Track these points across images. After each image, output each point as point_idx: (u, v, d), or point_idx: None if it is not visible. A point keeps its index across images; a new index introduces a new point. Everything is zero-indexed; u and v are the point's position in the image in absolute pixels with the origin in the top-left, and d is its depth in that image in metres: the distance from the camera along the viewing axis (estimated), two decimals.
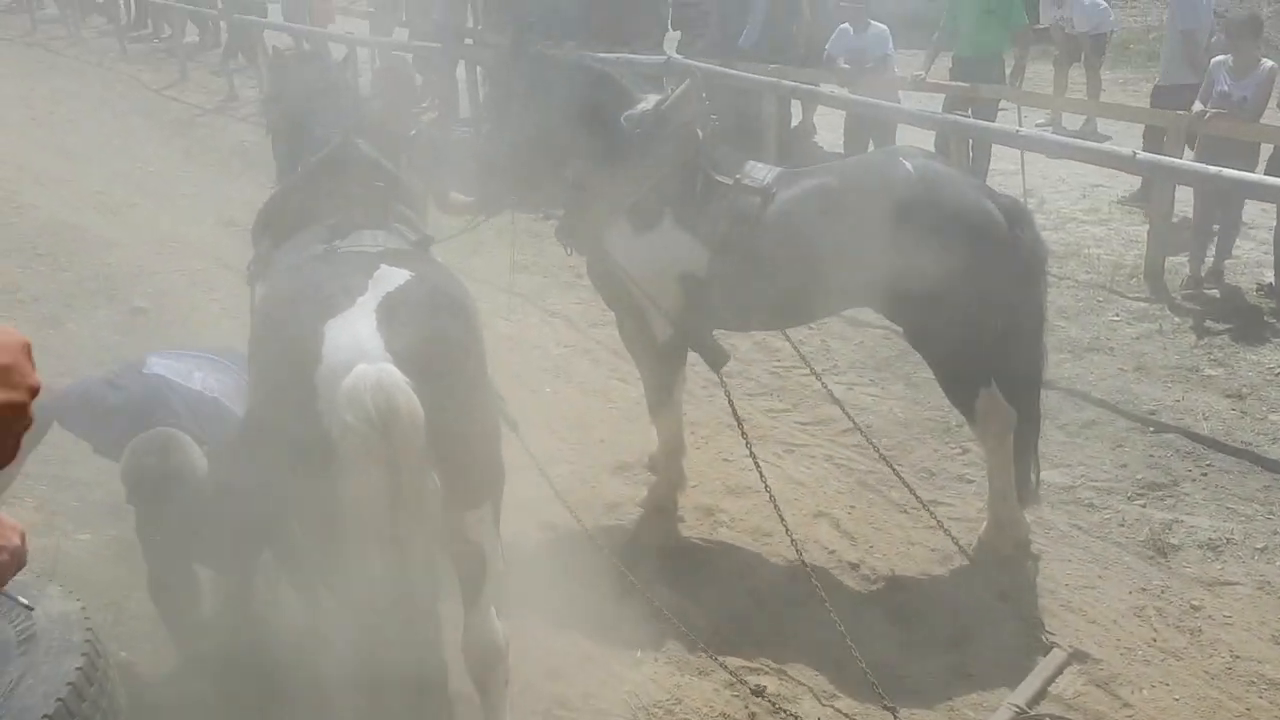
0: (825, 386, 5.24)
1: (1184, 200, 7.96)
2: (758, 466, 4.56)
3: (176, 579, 3.85)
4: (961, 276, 4.34)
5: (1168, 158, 7.27)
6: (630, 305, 4.89)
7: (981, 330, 4.51)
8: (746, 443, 4.66)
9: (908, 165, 4.49)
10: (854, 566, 4.76)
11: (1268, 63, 7.56)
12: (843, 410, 5.13)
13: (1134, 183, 9.05)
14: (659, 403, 5.10)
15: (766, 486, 4.54)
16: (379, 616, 2.86)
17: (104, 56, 18.82)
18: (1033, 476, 4.77)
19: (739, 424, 4.75)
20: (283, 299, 3.23)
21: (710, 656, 3.96)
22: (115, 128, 13.69)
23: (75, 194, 10.53)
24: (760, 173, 4.74)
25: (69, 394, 3.75)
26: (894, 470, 4.90)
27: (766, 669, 4.09)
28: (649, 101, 4.82)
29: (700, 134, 4.80)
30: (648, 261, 4.74)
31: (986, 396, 4.57)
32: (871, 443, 5.04)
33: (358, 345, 2.88)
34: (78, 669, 2.94)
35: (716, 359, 4.80)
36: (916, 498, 4.77)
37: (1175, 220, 7.97)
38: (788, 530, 4.43)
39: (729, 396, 4.81)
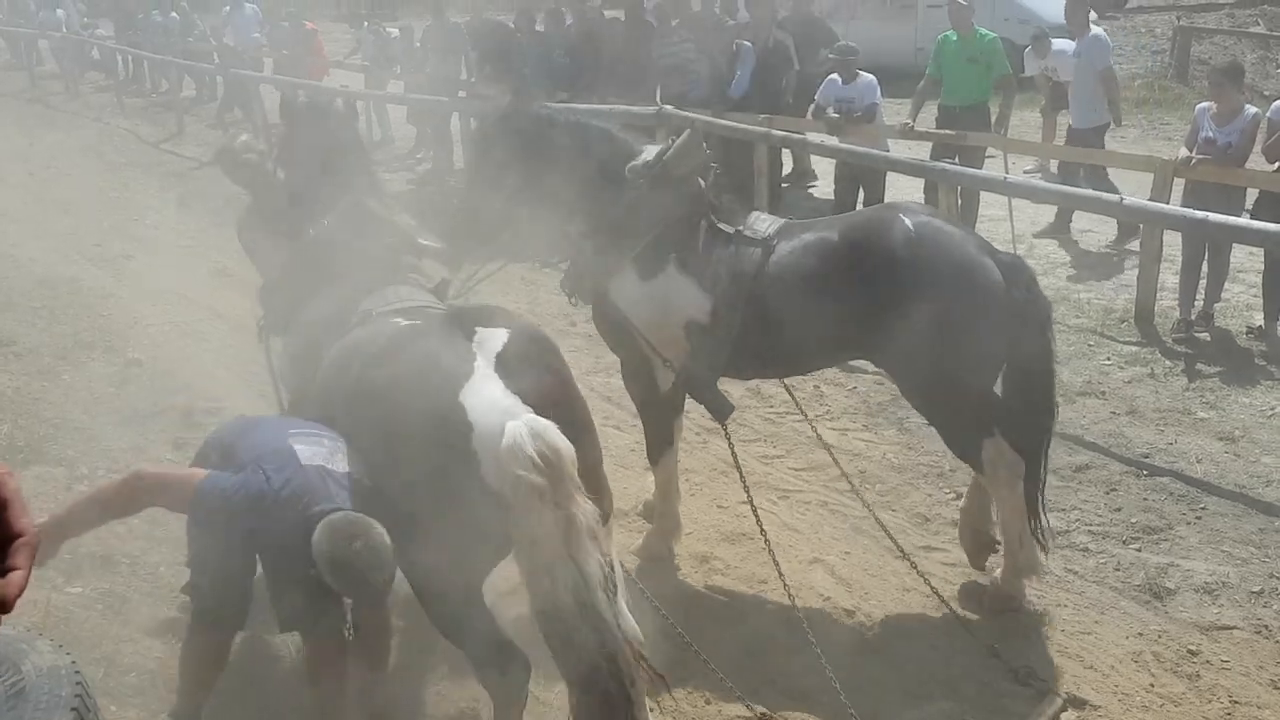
0: (815, 430, 5.25)
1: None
2: (756, 515, 4.59)
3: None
4: (956, 333, 4.37)
5: (1154, 203, 7.34)
6: (635, 353, 4.93)
7: (976, 385, 4.54)
8: (746, 491, 4.69)
9: (907, 222, 4.51)
10: (849, 613, 4.74)
11: (1250, 109, 7.66)
12: (831, 457, 5.14)
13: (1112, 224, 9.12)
14: (659, 451, 5.12)
15: (764, 533, 4.57)
16: (567, 628, 3.08)
17: (101, 111, 19.01)
18: (1037, 525, 4.73)
19: (740, 473, 4.78)
20: (394, 377, 3.37)
21: (705, 705, 3.94)
22: (111, 181, 13.80)
23: (72, 247, 10.58)
24: (763, 224, 4.80)
25: (232, 494, 3.39)
26: (878, 520, 4.90)
27: (761, 717, 4.05)
28: (650, 152, 4.89)
29: (703, 183, 4.86)
30: (652, 310, 4.79)
31: (992, 446, 4.56)
32: (857, 491, 5.06)
33: (498, 406, 3.16)
34: None
35: (721, 410, 4.81)
36: (898, 546, 4.76)
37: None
38: (782, 577, 4.43)
39: (731, 447, 4.82)
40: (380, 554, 3.20)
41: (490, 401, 3.18)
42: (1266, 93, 14.31)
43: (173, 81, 18.16)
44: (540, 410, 3.17)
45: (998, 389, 4.62)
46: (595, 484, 3.36)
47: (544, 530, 3.04)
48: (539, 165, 4.95)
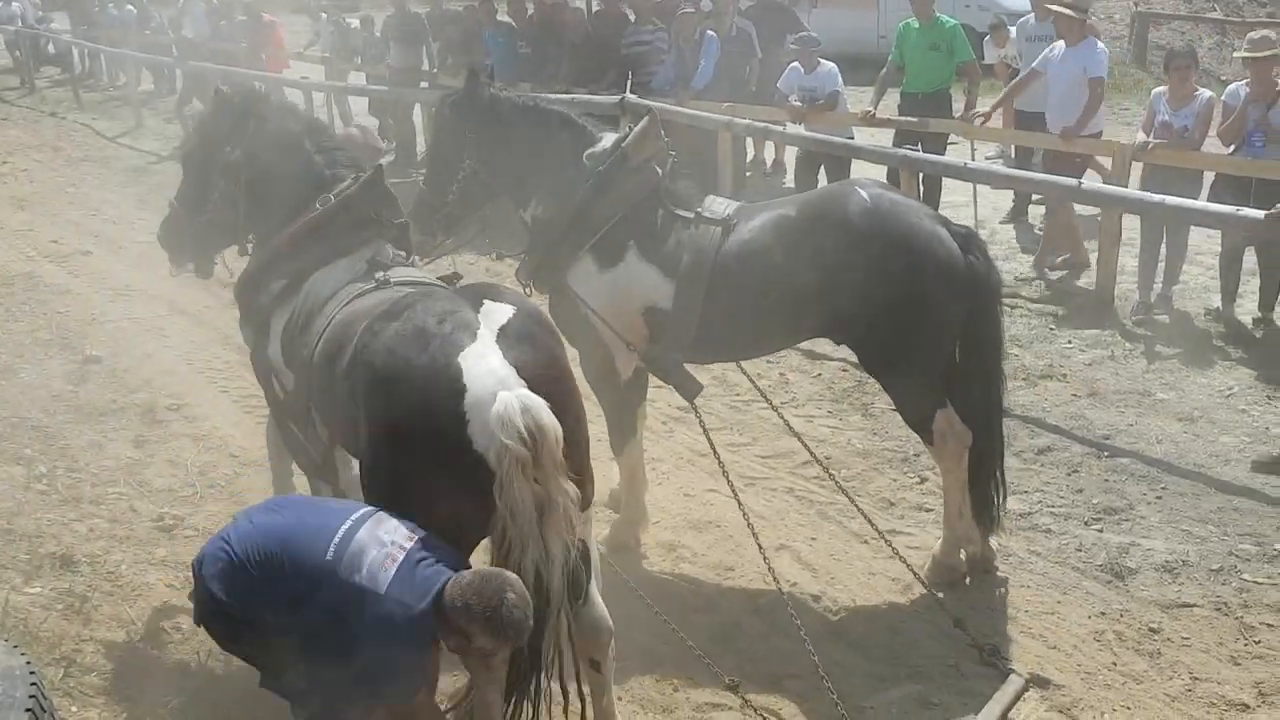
0: (783, 419, 5.26)
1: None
2: (735, 494, 4.67)
3: None
4: (917, 302, 4.45)
5: (1113, 187, 7.41)
6: (594, 342, 4.92)
7: (936, 354, 4.62)
8: (724, 472, 4.74)
9: (864, 195, 4.58)
10: (816, 599, 4.76)
11: (1205, 93, 7.74)
12: (802, 443, 5.15)
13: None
14: (622, 439, 5.12)
15: (743, 510, 4.64)
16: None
17: (58, 106, 18.74)
18: (996, 501, 4.79)
19: (715, 452, 4.80)
20: (402, 335, 3.34)
21: (674, 692, 3.95)
22: (69, 176, 13.60)
23: (28, 243, 10.44)
24: (720, 206, 4.82)
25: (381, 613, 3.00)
26: (853, 502, 4.92)
27: (729, 704, 4.06)
28: (608, 140, 4.89)
29: (660, 170, 4.87)
30: (613, 297, 4.80)
31: (943, 417, 4.63)
32: (832, 475, 5.08)
33: (495, 375, 3.19)
34: None
35: (690, 389, 4.83)
36: (875, 529, 4.79)
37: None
38: (764, 556, 4.46)
39: (704, 426, 4.83)
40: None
41: (488, 368, 3.20)
42: (1223, 77, 14.48)
43: (130, 75, 17.90)
44: (534, 388, 3.19)
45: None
46: (580, 470, 3.38)
47: (521, 504, 3.09)
48: (493, 150, 4.94)
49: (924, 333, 4.54)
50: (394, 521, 3.13)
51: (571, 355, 5.54)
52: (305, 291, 4.12)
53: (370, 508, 3.20)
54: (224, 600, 3.09)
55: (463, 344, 3.26)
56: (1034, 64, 8.78)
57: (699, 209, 4.81)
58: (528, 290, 5.08)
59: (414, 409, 3.22)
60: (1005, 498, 4.83)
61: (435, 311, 3.39)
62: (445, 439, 3.17)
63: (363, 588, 2.97)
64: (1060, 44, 8.27)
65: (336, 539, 3.04)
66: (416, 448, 3.24)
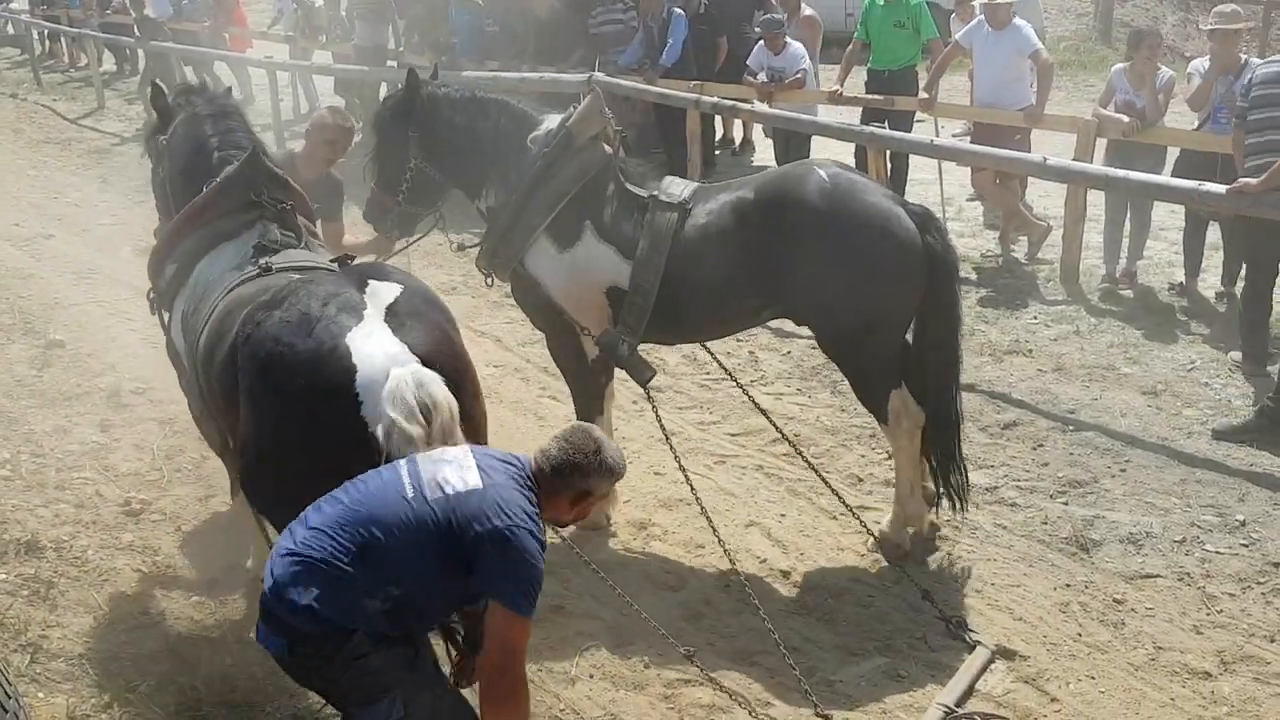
0: (750, 397, 5.29)
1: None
2: (688, 480, 4.66)
3: None
4: (874, 282, 4.47)
5: (1078, 163, 7.45)
6: (558, 324, 4.93)
7: (893, 334, 4.66)
8: (676, 458, 4.75)
9: (822, 175, 4.59)
10: (785, 574, 4.80)
11: (1166, 71, 7.79)
12: (769, 420, 5.18)
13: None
14: (590, 419, 5.11)
15: (698, 499, 4.65)
16: None
17: (18, 87, 18.45)
18: (955, 479, 4.82)
19: (667, 439, 4.83)
20: (286, 322, 3.28)
21: (645, 669, 3.97)
22: (30, 158, 13.41)
23: None
24: (677, 188, 4.82)
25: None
26: (822, 478, 4.95)
27: (700, 680, 4.09)
28: (552, 121, 4.89)
29: (608, 148, 4.86)
30: (572, 278, 4.81)
31: (897, 397, 4.67)
32: (800, 452, 5.09)
33: (385, 352, 3.16)
34: None
35: (641, 374, 4.86)
36: (845, 504, 4.83)
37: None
38: (720, 541, 4.47)
39: (656, 413, 4.89)
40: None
41: (377, 347, 3.17)
42: (1188, 53, 14.57)
43: (91, 56, 17.64)
44: (427, 364, 3.18)
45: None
46: (479, 442, 3.35)
47: None
48: (437, 147, 4.98)
49: (881, 313, 4.57)
50: (434, 450, 3.03)
51: (538, 336, 5.59)
52: (194, 278, 4.08)
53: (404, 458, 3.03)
54: (320, 614, 2.76)
55: (349, 325, 3.22)
56: (956, 36, 8.85)
57: (655, 191, 4.81)
58: (489, 279, 5.10)
59: (304, 394, 3.17)
60: (966, 476, 4.85)
61: (318, 295, 3.35)
62: (339, 422, 3.12)
63: (460, 493, 2.84)
64: (982, 19, 8.35)
65: (406, 479, 2.87)
66: (309, 433, 3.19)
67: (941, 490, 4.81)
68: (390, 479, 2.91)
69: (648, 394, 4.90)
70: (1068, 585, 4.65)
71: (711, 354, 5.40)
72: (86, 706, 3.91)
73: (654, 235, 4.66)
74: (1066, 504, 5.23)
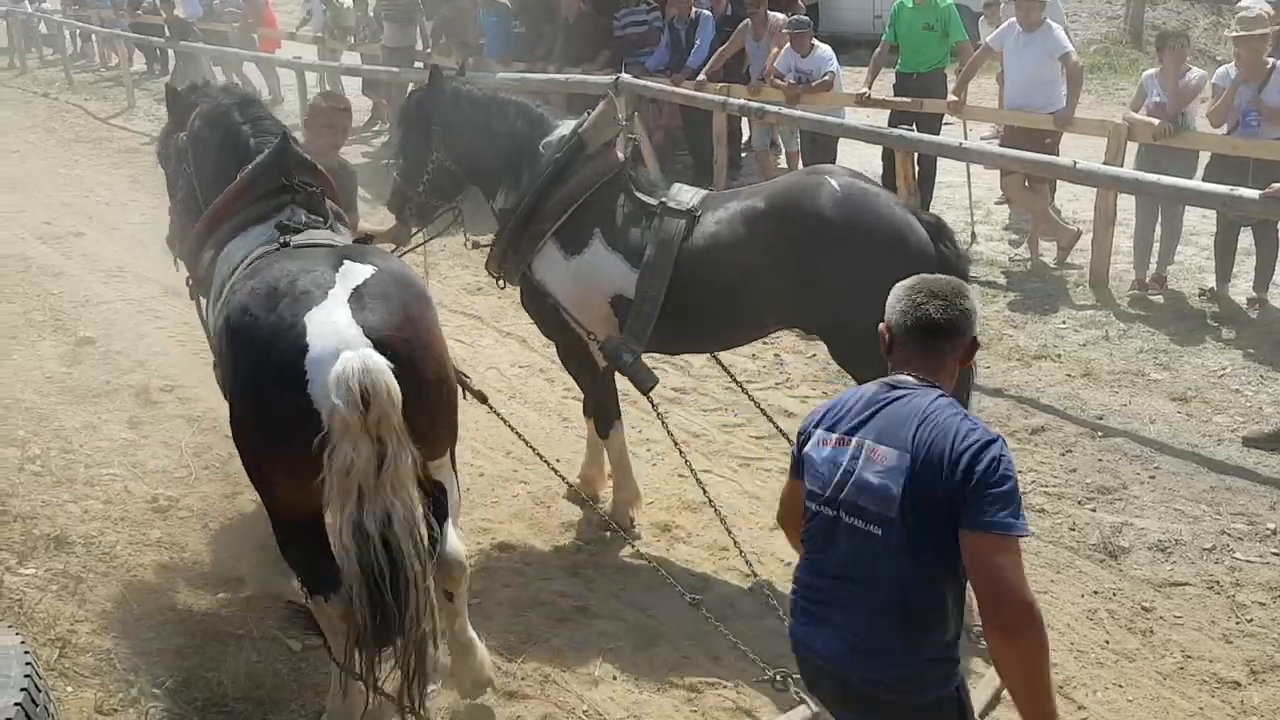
0: (750, 397, 5.32)
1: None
2: (700, 484, 4.70)
3: None
4: (886, 291, 4.37)
5: (1108, 167, 7.39)
6: (569, 333, 4.91)
7: None
8: (687, 462, 4.76)
9: (834, 184, 4.50)
10: None
11: (1197, 71, 7.73)
12: (767, 417, 5.18)
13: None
14: (607, 425, 5.13)
15: (711, 503, 4.67)
16: (362, 550, 3.14)
17: (50, 87, 18.64)
18: None
19: (675, 444, 4.86)
20: (255, 292, 3.37)
21: (668, 671, 3.96)
22: (61, 157, 13.55)
23: (21, 225, 10.40)
24: (686, 195, 4.76)
25: None
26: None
27: (724, 682, 4.07)
28: (566, 127, 4.87)
29: (621, 155, 4.84)
30: (579, 285, 4.77)
31: None
32: (787, 437, 5.06)
33: (339, 334, 3.19)
34: (16, 704, 2.88)
35: (644, 383, 4.77)
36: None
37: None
38: (737, 544, 4.46)
39: (662, 419, 4.88)
40: None
41: (332, 327, 3.20)
42: (1219, 57, 14.42)
43: (122, 56, 17.81)
44: (383, 348, 3.18)
45: None
46: (442, 425, 3.48)
47: (354, 462, 3.08)
48: (456, 143, 4.99)
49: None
50: None
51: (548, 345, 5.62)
52: (221, 260, 4.15)
53: None
54: None
55: (312, 303, 3.27)
56: (988, 39, 8.80)
57: (664, 198, 4.75)
58: (500, 281, 5.11)
59: (258, 366, 3.26)
60: None
61: (290, 271, 3.41)
62: (286, 397, 3.18)
63: None
64: (1013, 21, 8.30)
65: None
66: (263, 405, 3.27)
67: None
68: None
69: (651, 401, 4.85)
70: (1095, 592, 4.61)
71: (721, 363, 5.41)
72: (114, 701, 3.94)
73: (661, 243, 4.61)
74: (1095, 510, 5.19)
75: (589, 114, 4.90)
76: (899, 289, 2.78)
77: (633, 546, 4.81)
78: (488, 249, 5.13)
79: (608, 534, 5.02)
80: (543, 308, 4.90)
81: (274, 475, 3.39)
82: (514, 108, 5.01)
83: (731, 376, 5.50)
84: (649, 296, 4.63)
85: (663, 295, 4.61)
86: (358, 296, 3.32)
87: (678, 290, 4.60)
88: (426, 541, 3.27)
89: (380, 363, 3.11)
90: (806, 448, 2.71)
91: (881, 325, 2.76)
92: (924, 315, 2.67)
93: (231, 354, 3.40)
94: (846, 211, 4.43)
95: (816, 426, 2.70)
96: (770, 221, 4.53)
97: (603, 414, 5.11)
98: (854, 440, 2.60)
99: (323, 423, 3.11)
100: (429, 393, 3.40)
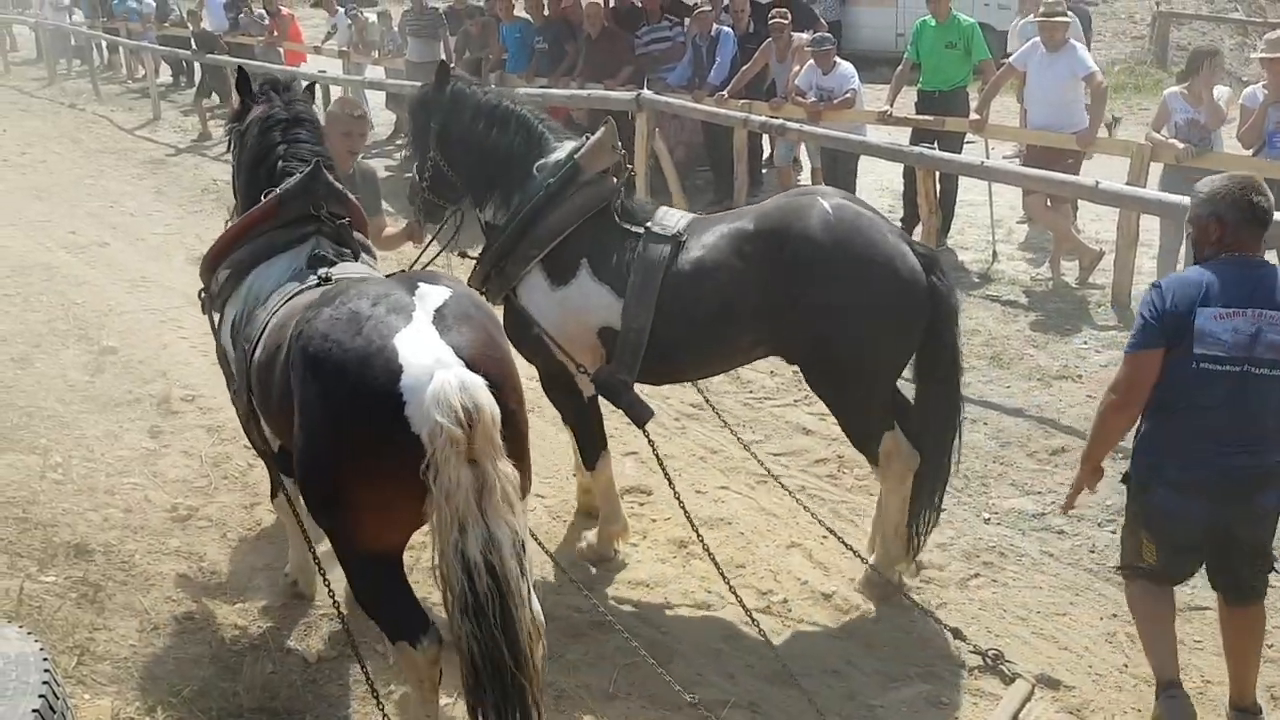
0: (724, 421, 5.28)
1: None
2: (679, 501, 4.62)
3: None
4: (874, 321, 4.31)
5: (1131, 187, 7.36)
6: (552, 360, 4.74)
7: (889, 375, 4.53)
8: (670, 483, 4.63)
9: (826, 207, 4.41)
10: (827, 597, 4.75)
11: (1223, 89, 7.69)
12: (736, 437, 5.14)
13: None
14: (593, 455, 4.97)
15: (690, 518, 4.60)
16: (473, 588, 3.03)
17: (77, 98, 18.84)
18: (920, 524, 4.67)
19: (663, 470, 4.70)
20: (336, 320, 3.29)
21: (684, 691, 3.94)
22: (88, 168, 13.68)
23: (46, 234, 10.50)
24: (672, 220, 4.65)
25: None
26: (805, 507, 4.99)
27: (738, 701, 4.06)
28: (563, 150, 4.71)
29: (616, 183, 4.70)
30: (565, 316, 4.64)
31: (890, 439, 4.52)
32: (781, 484, 5.12)
33: (432, 354, 3.13)
34: (34, 711, 2.90)
35: (639, 415, 4.59)
36: (839, 540, 4.81)
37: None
38: (715, 564, 4.43)
39: (654, 448, 4.73)
40: None
41: (424, 348, 3.15)
42: (1245, 78, 14.37)
43: (149, 68, 17.99)
44: (472, 368, 3.14)
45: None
46: (519, 455, 3.29)
47: (459, 484, 3.01)
48: (451, 145, 4.89)
49: (879, 353, 4.41)
50: None
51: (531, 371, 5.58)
52: (246, 286, 4.08)
53: None
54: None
55: (397, 326, 3.21)
56: (1011, 59, 8.78)
57: (649, 224, 4.62)
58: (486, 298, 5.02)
59: (350, 392, 3.17)
60: (934, 524, 4.75)
61: (369, 295, 3.35)
62: (382, 421, 3.10)
63: None
64: (1037, 40, 8.29)
65: None
66: (354, 432, 3.18)
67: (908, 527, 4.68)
68: None
69: (645, 435, 4.68)
70: (1115, 615, 4.57)
71: (702, 392, 5.37)
72: (131, 709, 3.96)
73: (645, 269, 4.49)
74: (1115, 533, 5.13)
75: (588, 139, 4.76)
76: (1230, 186, 3.63)
77: (650, 562, 4.80)
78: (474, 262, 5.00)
79: (620, 550, 5.02)
80: (527, 336, 4.69)
81: (360, 509, 3.27)
82: (516, 121, 4.81)
83: (712, 409, 5.42)
84: (636, 324, 4.50)
85: (649, 323, 4.47)
86: (440, 318, 3.28)
87: (663, 318, 4.46)
88: (531, 568, 3.19)
89: (478, 380, 3.08)
90: (1199, 321, 3.52)
91: (1210, 219, 3.62)
92: (1259, 210, 3.59)
93: (314, 385, 3.27)
94: (836, 235, 4.32)
95: (1202, 305, 3.53)
96: (757, 243, 4.41)
97: (589, 444, 4.96)
98: (1250, 311, 3.51)
99: (423, 446, 3.03)
100: (517, 416, 3.33)
